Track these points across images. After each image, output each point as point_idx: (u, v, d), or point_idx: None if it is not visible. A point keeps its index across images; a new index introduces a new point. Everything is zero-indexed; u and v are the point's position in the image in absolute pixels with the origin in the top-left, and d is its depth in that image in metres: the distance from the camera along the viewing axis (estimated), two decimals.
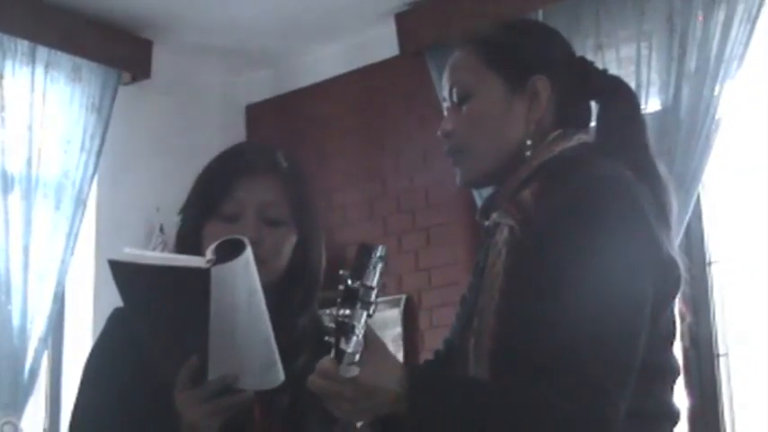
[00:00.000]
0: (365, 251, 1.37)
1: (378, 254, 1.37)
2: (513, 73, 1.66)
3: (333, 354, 1.35)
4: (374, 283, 1.35)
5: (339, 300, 1.35)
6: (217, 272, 1.52)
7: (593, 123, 1.72)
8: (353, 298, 1.34)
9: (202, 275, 1.52)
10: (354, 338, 1.33)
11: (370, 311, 1.35)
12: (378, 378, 1.38)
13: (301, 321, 1.84)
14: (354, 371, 1.34)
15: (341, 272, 1.36)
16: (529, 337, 1.47)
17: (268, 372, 1.62)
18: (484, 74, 1.67)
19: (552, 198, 1.53)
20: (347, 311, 1.34)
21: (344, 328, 1.34)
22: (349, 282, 1.35)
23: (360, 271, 1.36)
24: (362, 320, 1.34)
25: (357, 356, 1.34)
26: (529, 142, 1.63)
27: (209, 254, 1.57)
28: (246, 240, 1.57)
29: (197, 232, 1.82)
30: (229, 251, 1.55)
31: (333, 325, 1.35)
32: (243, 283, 1.55)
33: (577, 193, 1.50)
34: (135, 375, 1.71)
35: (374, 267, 1.36)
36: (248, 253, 1.55)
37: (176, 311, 1.59)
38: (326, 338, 1.36)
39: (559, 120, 1.66)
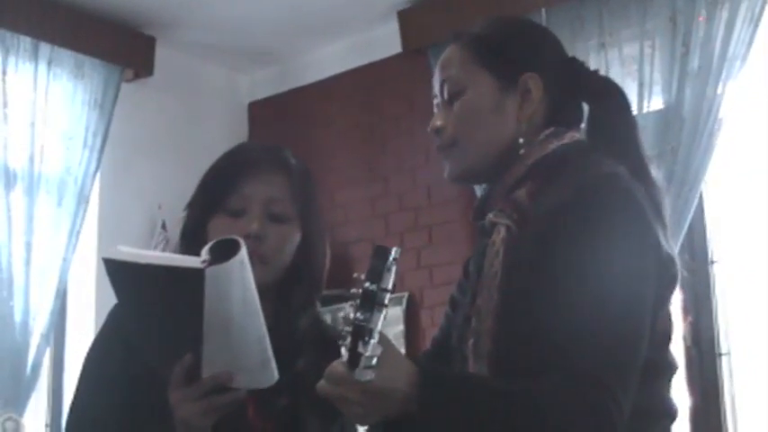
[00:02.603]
0: (381, 253, 1.36)
1: (393, 256, 1.36)
2: (505, 70, 1.65)
3: (346, 357, 1.34)
4: (389, 286, 1.35)
5: (356, 303, 1.34)
6: (211, 272, 1.52)
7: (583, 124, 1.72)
8: (370, 301, 1.33)
9: (197, 276, 1.52)
10: (372, 342, 1.32)
11: (385, 314, 1.35)
12: (390, 380, 1.37)
13: (302, 321, 1.83)
14: (370, 374, 1.33)
15: (355, 275, 1.35)
16: (530, 336, 1.47)
17: (262, 371, 1.61)
18: (475, 70, 1.66)
19: (550, 197, 1.53)
20: (365, 315, 1.33)
21: (362, 332, 1.32)
22: (366, 284, 1.34)
23: (376, 273, 1.34)
24: (379, 324, 1.33)
25: (374, 360, 1.33)
26: (521, 140, 1.63)
27: (204, 254, 1.57)
28: (241, 241, 1.56)
29: (202, 227, 1.83)
30: (224, 251, 1.55)
31: (348, 328, 1.33)
32: (237, 283, 1.55)
33: (576, 192, 1.50)
34: (133, 373, 1.72)
35: (389, 270, 1.35)
36: (243, 253, 1.55)
37: (170, 310, 1.59)
38: (340, 342, 1.35)
39: (550, 118, 1.65)
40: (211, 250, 1.57)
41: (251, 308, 1.57)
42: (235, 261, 1.53)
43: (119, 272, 1.58)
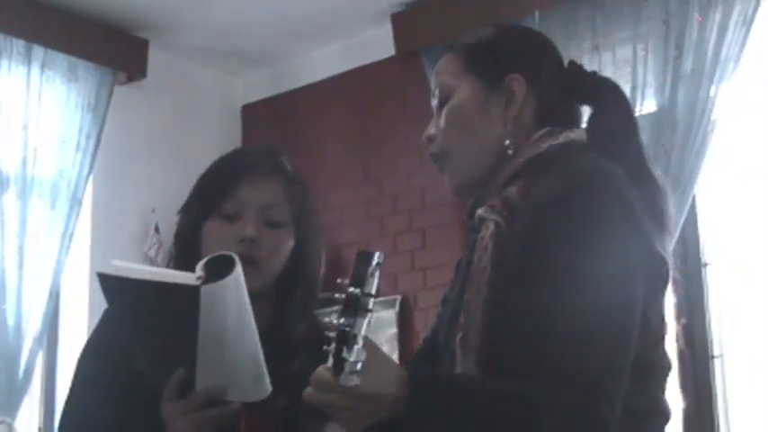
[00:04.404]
0: (364, 258, 1.36)
1: (375, 261, 1.36)
2: (489, 72, 1.66)
3: (331, 363, 1.34)
4: (373, 291, 1.35)
5: (339, 309, 1.34)
6: (207, 290, 1.53)
7: (583, 126, 1.72)
8: (354, 306, 1.33)
9: (192, 293, 1.52)
10: (356, 347, 1.32)
11: (369, 319, 1.35)
12: (377, 384, 1.37)
13: (300, 325, 1.83)
14: (355, 380, 1.33)
15: (338, 280, 1.36)
16: (518, 333, 1.47)
17: (255, 384, 1.62)
18: (462, 75, 1.67)
19: (539, 193, 1.53)
20: (348, 320, 1.33)
21: (346, 338, 1.32)
22: (350, 290, 1.34)
23: (359, 279, 1.35)
24: (363, 329, 1.33)
25: (359, 365, 1.33)
26: (507, 142, 1.63)
27: (199, 270, 1.57)
28: (237, 258, 1.57)
29: (196, 231, 1.83)
30: (219, 267, 1.55)
31: (332, 334, 1.33)
32: (233, 300, 1.55)
33: (564, 188, 1.49)
34: (126, 378, 1.71)
35: (372, 275, 1.35)
36: (238, 270, 1.55)
37: (165, 325, 1.59)
38: (325, 347, 1.35)
39: (543, 120, 1.65)
40: (206, 266, 1.57)
41: (245, 324, 1.58)
42: (230, 279, 1.54)
43: (113, 286, 1.58)
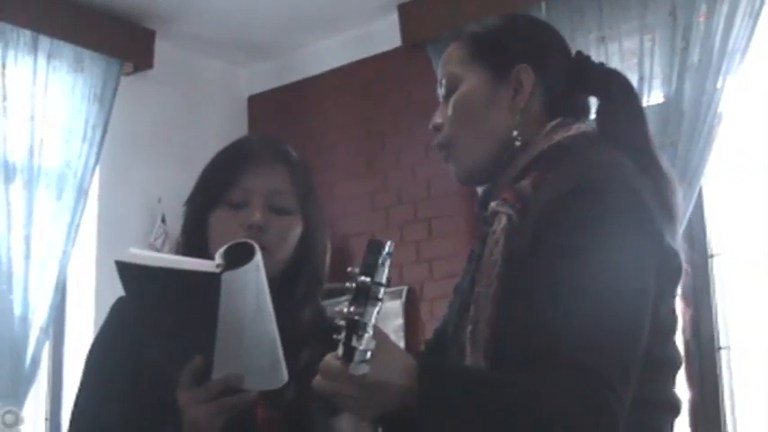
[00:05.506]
0: (375, 247, 1.36)
1: (386, 250, 1.36)
2: (496, 63, 1.65)
3: (341, 351, 1.34)
4: (383, 280, 1.35)
5: (349, 297, 1.34)
6: (228, 277, 1.53)
7: (592, 117, 1.71)
8: (364, 295, 1.33)
9: (213, 280, 1.52)
10: (366, 336, 1.32)
11: (379, 308, 1.35)
12: (386, 374, 1.37)
13: (305, 314, 1.83)
14: (365, 368, 1.33)
15: (349, 269, 1.35)
16: (528, 327, 1.46)
17: (272, 372, 1.62)
18: (469, 66, 1.67)
19: (550, 187, 1.52)
20: (358, 309, 1.33)
21: (356, 326, 1.32)
22: (360, 278, 1.34)
23: (369, 267, 1.34)
24: (373, 317, 1.33)
25: (368, 354, 1.33)
26: (515, 133, 1.62)
27: (219, 258, 1.57)
28: (256, 245, 1.57)
29: (203, 221, 1.83)
30: (237, 255, 1.55)
31: (342, 322, 1.33)
32: (252, 287, 1.55)
33: (574, 182, 1.49)
34: (137, 369, 1.72)
35: (383, 264, 1.35)
36: (258, 258, 1.55)
37: (184, 313, 1.59)
38: (335, 336, 1.34)
39: (552, 111, 1.65)
40: (225, 254, 1.57)
41: (264, 311, 1.58)
42: (251, 265, 1.54)
43: (131, 274, 1.58)
